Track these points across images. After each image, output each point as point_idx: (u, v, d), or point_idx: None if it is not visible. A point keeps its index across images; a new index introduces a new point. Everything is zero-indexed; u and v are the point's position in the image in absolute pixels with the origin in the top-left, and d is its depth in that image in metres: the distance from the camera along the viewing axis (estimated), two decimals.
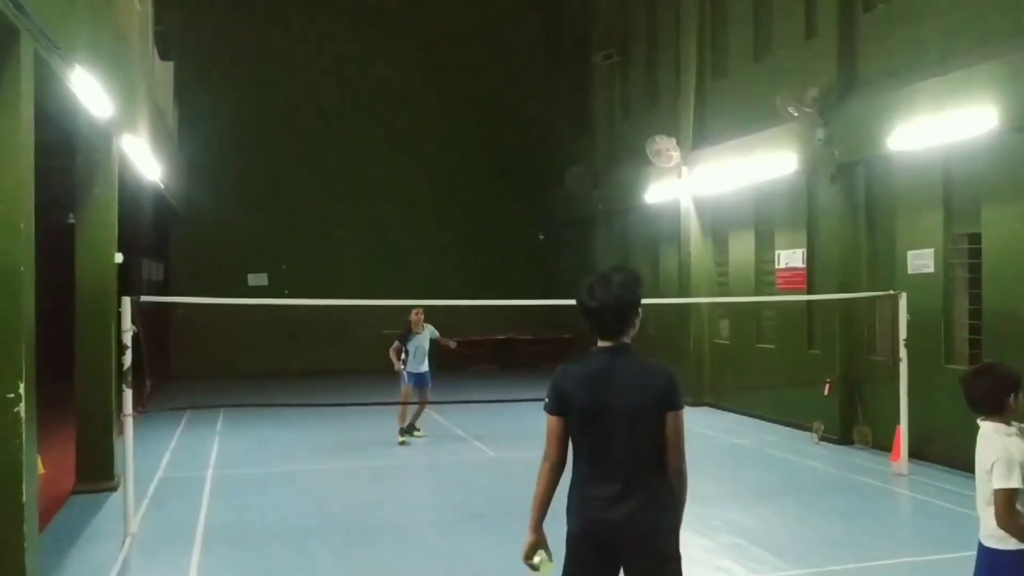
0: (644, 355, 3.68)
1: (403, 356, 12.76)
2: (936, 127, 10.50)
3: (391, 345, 12.86)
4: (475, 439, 13.16)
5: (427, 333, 12.90)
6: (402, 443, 12.60)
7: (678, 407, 3.58)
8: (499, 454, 12.22)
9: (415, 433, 12.96)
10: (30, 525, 5.91)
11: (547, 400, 3.72)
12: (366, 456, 12.23)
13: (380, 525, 8.58)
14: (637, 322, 3.67)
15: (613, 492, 3.58)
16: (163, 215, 20.91)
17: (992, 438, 4.04)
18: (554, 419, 3.70)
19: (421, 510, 9.17)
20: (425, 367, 12.82)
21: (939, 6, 11.03)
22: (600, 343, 3.67)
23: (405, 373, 12.77)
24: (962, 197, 10.87)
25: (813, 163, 12.97)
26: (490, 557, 7.55)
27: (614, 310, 3.60)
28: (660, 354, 17.92)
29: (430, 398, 12.99)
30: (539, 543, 3.85)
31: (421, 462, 11.79)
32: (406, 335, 12.78)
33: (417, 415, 13.02)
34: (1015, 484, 3.84)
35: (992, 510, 3.92)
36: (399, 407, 12.77)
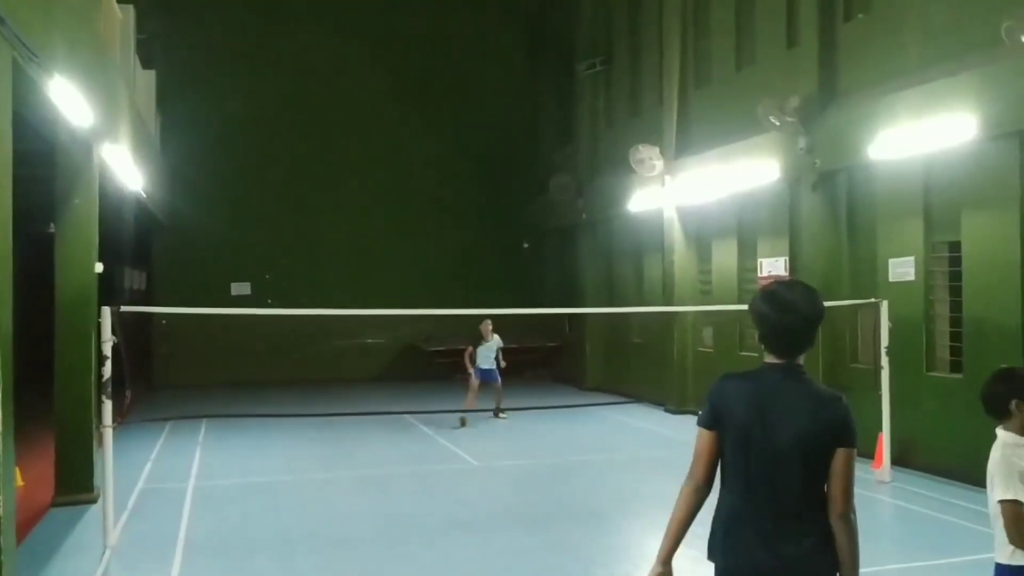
0: (817, 380, 3.30)
1: (474, 359, 15.43)
2: (916, 136, 10.58)
3: (467, 351, 15.61)
4: (459, 448, 13.12)
5: (494, 343, 15.52)
6: (462, 425, 14.94)
7: (851, 444, 3.13)
8: (484, 463, 12.18)
9: (501, 416, 15.47)
10: (7, 538, 5.83)
11: (702, 412, 3.33)
12: (350, 466, 12.17)
13: (364, 535, 8.52)
14: (812, 343, 3.27)
15: (776, 530, 3.15)
16: (145, 224, 20.80)
17: (995, 448, 3.88)
18: (708, 434, 3.29)
19: (405, 520, 9.12)
20: (491, 365, 15.40)
21: (918, 16, 11.14)
22: (770, 359, 3.26)
23: (474, 369, 15.35)
24: (942, 205, 10.96)
25: (795, 172, 13.04)
26: (475, 567, 7.52)
27: (802, 326, 3.21)
28: (644, 361, 18.01)
29: (500, 387, 15.50)
30: None
31: (405, 471, 11.74)
32: (477, 343, 15.53)
33: (499, 400, 15.48)
34: (1014, 495, 3.70)
35: (1000, 523, 3.78)
36: (468, 394, 15.41)
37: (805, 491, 3.14)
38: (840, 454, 3.11)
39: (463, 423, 14.97)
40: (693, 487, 3.32)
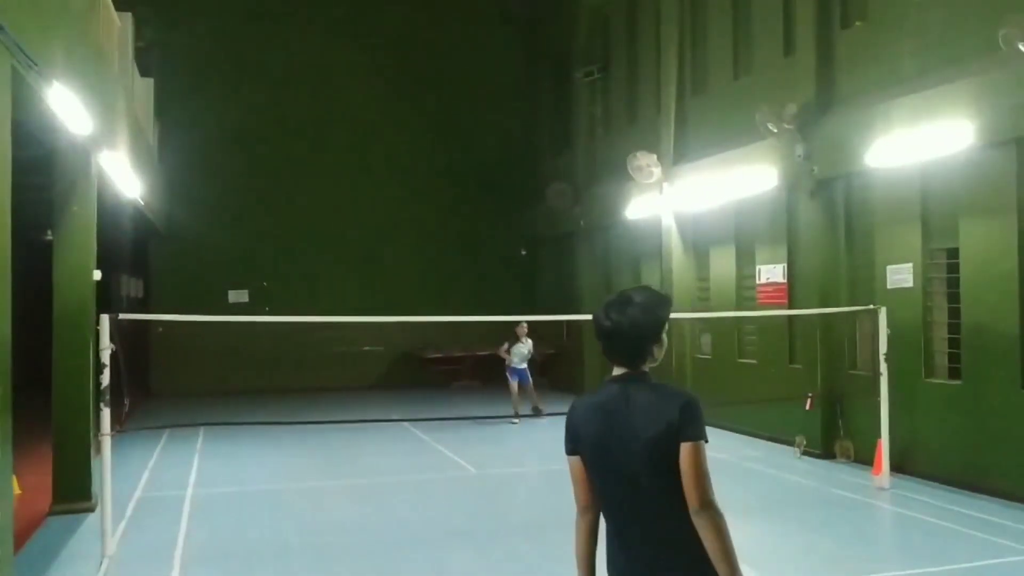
0: (663, 383, 3.18)
1: (509, 355, 16.50)
2: (914, 143, 10.61)
3: (502, 347, 16.69)
4: (457, 456, 13.10)
5: (528, 344, 16.59)
6: (515, 422, 15.99)
7: (694, 437, 2.98)
8: (481, 471, 12.17)
9: (542, 415, 16.13)
10: (5, 547, 5.81)
11: (565, 439, 3.26)
12: (348, 474, 12.14)
13: (362, 544, 8.50)
14: (657, 349, 3.15)
15: (637, 556, 3.07)
16: (143, 232, 20.77)
17: None
18: (573, 460, 3.20)
19: (403, 528, 9.10)
20: (523, 366, 16.51)
21: (915, 24, 11.17)
22: (615, 371, 3.19)
23: (509, 370, 16.46)
24: (940, 212, 10.98)
25: (793, 179, 13.06)
26: (472, 575, 7.50)
27: (628, 334, 3.11)
28: None
29: (532, 387, 16.69)
30: None
31: (403, 479, 11.71)
32: (512, 341, 16.55)
33: (533, 400, 16.63)
34: None
35: None
36: (513, 396, 16.43)
37: (670, 509, 3.00)
38: (682, 448, 2.96)
39: (538, 412, 16.19)
40: (579, 513, 3.25)
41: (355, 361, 22.96)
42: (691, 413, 3.00)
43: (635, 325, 3.11)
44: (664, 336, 3.17)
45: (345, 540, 8.64)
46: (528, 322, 16.48)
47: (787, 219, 13.71)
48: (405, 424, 15.38)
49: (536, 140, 24.66)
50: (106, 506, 7.73)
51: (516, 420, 16.02)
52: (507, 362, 16.55)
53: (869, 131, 11.40)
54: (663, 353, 3.19)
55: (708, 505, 2.96)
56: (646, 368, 3.16)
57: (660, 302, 3.21)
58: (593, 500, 3.20)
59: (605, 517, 3.18)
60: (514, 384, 16.46)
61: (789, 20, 13.75)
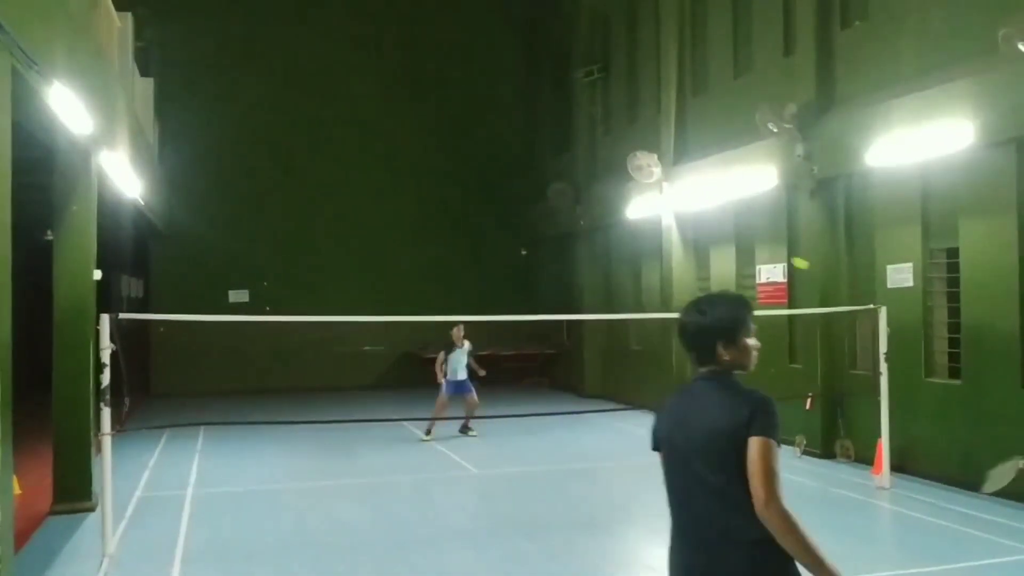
0: (740, 384, 3.20)
1: (444, 368, 14.44)
2: (913, 143, 10.61)
3: (437, 358, 14.66)
4: (458, 456, 13.10)
5: (465, 349, 14.59)
6: (426, 439, 14.24)
7: (761, 433, 2.99)
8: (482, 471, 12.17)
9: (470, 433, 14.62)
10: (5, 546, 5.82)
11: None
12: (348, 474, 12.15)
13: (362, 543, 8.51)
14: (727, 349, 3.20)
15: (696, 550, 3.11)
16: (143, 232, 20.79)
17: None
18: (659, 455, 3.32)
19: (403, 528, 9.10)
20: (463, 376, 14.46)
21: (915, 24, 11.18)
22: (698, 369, 3.29)
23: (445, 383, 14.40)
24: (940, 212, 10.98)
25: (793, 178, 13.06)
26: (475, 575, 7.50)
27: (694, 334, 3.25)
28: (643, 368, 18.00)
29: (476, 400, 14.57)
30: None
31: (403, 480, 11.72)
32: (449, 348, 14.50)
33: (468, 414, 14.67)
34: None
35: None
36: (436, 409, 14.33)
37: (728, 505, 3.02)
38: (750, 443, 2.98)
39: (428, 433, 14.39)
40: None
41: (355, 361, 22.97)
42: (762, 411, 3.04)
43: (700, 325, 3.24)
44: (741, 338, 3.21)
45: (345, 540, 8.65)
46: (463, 323, 14.47)
47: (787, 219, 13.70)
48: (405, 424, 15.38)
49: (536, 140, 24.66)
50: (106, 506, 7.72)
51: (431, 437, 14.30)
52: (439, 376, 14.47)
53: (869, 131, 11.41)
54: (745, 356, 3.23)
55: (773, 502, 2.95)
56: (720, 367, 3.22)
57: (729, 303, 3.29)
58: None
59: (669, 510, 3.24)
60: (444, 397, 14.40)
61: (789, 20, 13.75)
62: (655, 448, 3.33)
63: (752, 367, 3.25)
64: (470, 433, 14.65)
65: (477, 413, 14.62)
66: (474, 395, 14.59)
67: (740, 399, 3.08)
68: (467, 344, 14.66)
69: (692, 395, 3.24)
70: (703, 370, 3.25)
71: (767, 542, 2.96)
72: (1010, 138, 9.59)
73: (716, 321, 3.22)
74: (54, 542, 8.41)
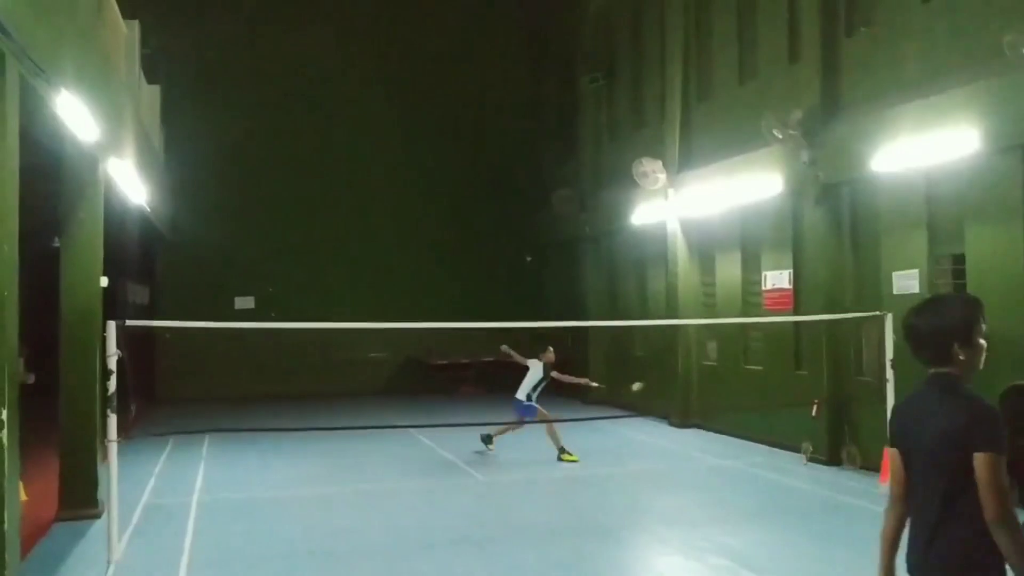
0: (965, 389, 3.24)
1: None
2: (919, 149, 10.60)
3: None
4: (463, 463, 13.09)
5: (537, 370, 13.56)
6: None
7: (982, 448, 3.04)
8: (488, 478, 12.15)
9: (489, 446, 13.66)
10: (12, 553, 5.82)
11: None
12: (354, 480, 12.14)
13: (367, 550, 8.49)
14: (960, 350, 3.23)
15: (920, 543, 3.26)
16: (149, 238, 20.84)
17: None
18: (891, 451, 3.44)
19: (409, 535, 9.09)
20: (522, 396, 13.54)
21: (920, 30, 11.17)
22: (930, 370, 3.35)
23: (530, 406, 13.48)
24: (946, 218, 10.97)
25: (798, 185, 13.05)
26: None
27: (926, 335, 3.31)
28: (648, 374, 17.96)
29: (517, 425, 13.66)
30: None
31: (409, 486, 11.71)
32: (547, 372, 13.47)
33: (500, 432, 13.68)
34: None
35: None
36: (552, 428, 13.24)
37: (942, 500, 3.14)
38: (975, 459, 3.05)
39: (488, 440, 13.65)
40: (889, 502, 3.46)
41: (361, 367, 22.97)
42: (980, 424, 3.08)
43: (936, 327, 3.28)
44: (975, 337, 3.25)
45: (351, 546, 8.63)
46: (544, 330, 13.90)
47: (792, 225, 13.69)
48: (411, 430, 15.37)
49: (542, 146, 24.69)
50: (112, 512, 7.74)
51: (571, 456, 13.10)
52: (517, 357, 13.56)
53: (874, 137, 11.40)
54: (978, 355, 3.28)
55: (1001, 519, 3.01)
56: (954, 368, 3.25)
57: (962, 304, 3.35)
58: (899, 490, 3.39)
59: (910, 499, 3.35)
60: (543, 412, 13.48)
61: (794, 26, 13.76)
62: (892, 445, 3.41)
63: (982, 366, 3.30)
64: (490, 448, 13.72)
65: (480, 419, 14.57)
66: (522, 420, 13.56)
67: (961, 405, 3.14)
68: (538, 365, 13.57)
69: (923, 397, 3.30)
70: (935, 372, 3.29)
71: (979, 537, 3.06)
72: (1016, 144, 9.58)
73: (952, 322, 3.27)
74: (60, 549, 8.42)
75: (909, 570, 3.31)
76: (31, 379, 10.92)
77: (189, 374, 21.61)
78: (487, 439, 13.65)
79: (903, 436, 3.35)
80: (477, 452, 13.53)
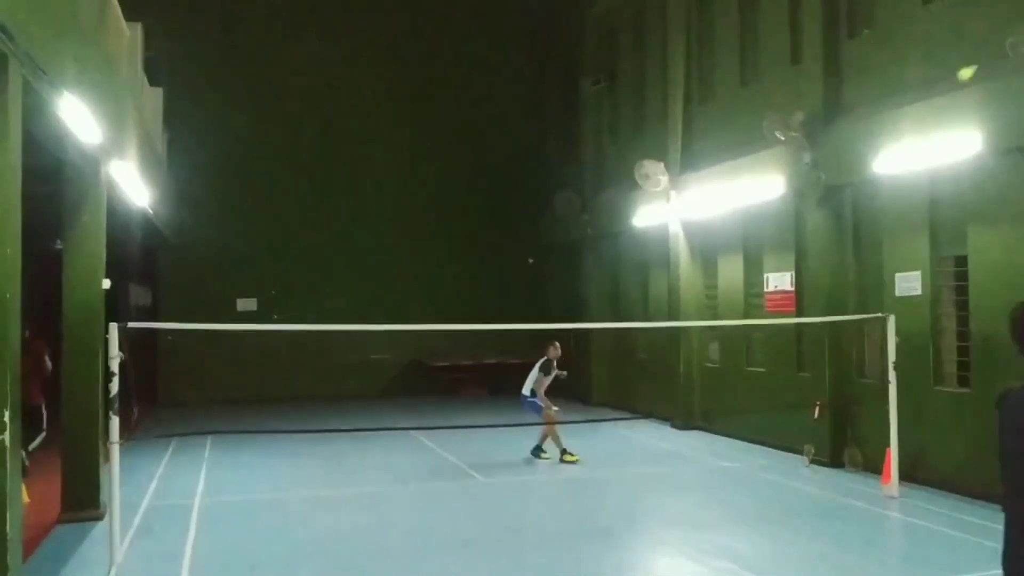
0: None
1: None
2: (921, 151, 10.59)
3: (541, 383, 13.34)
4: (465, 464, 13.08)
5: (537, 366, 13.51)
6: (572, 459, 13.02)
7: None
8: (489, 479, 12.15)
9: (542, 455, 13.34)
10: (14, 555, 5.82)
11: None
12: (355, 483, 12.14)
13: (369, 552, 8.49)
14: None
15: (1011, 543, 3.20)
16: (151, 240, 20.84)
17: None
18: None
19: (410, 536, 9.09)
20: (525, 391, 13.43)
21: (922, 32, 11.17)
22: None
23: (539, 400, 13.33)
24: (948, 220, 10.96)
25: (800, 186, 13.05)
26: None
27: (1012, 332, 3.33)
28: (650, 376, 17.97)
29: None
30: None
31: (411, 488, 11.71)
32: (549, 366, 13.42)
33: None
34: None
35: None
36: (553, 430, 13.14)
37: None
38: None
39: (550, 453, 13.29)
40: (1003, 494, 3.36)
41: (362, 369, 22.96)
42: None
43: (1015, 322, 3.31)
44: None
45: (353, 548, 8.63)
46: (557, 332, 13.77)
47: (795, 227, 13.69)
48: (413, 432, 15.38)
49: (544, 148, 24.69)
50: (115, 514, 7.74)
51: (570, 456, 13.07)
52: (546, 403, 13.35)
53: (877, 139, 11.40)
54: None
55: None
56: None
57: None
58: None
59: (1011, 499, 3.27)
60: (550, 413, 13.31)
61: (796, 28, 13.76)
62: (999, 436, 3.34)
63: None
64: (543, 455, 13.36)
65: (482, 421, 14.54)
66: (529, 411, 13.55)
67: None
68: (539, 363, 13.59)
69: (1018, 395, 3.24)
70: None
71: None
72: (1018, 146, 9.56)
73: None
74: (62, 551, 8.42)
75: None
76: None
77: (191, 376, 21.60)
78: (536, 451, 13.35)
79: (1005, 433, 3.26)
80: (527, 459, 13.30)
